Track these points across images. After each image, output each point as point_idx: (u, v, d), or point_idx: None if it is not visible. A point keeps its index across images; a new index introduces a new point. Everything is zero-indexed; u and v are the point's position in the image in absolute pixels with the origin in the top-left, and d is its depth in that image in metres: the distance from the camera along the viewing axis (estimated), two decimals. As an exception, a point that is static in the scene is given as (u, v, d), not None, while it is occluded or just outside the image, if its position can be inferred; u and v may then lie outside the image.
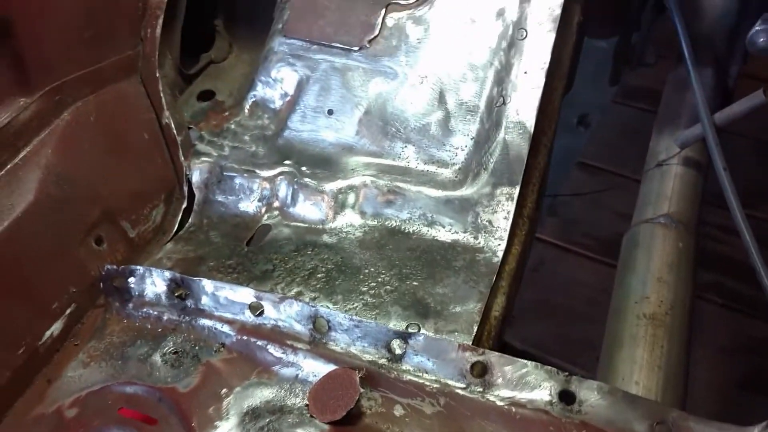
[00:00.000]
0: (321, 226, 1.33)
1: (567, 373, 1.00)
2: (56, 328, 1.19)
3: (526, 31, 1.28)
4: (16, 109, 1.18)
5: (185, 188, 1.40)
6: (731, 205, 1.28)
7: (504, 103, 1.28)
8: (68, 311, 1.21)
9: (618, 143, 3.02)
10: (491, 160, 1.28)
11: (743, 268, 2.19)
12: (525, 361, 1.02)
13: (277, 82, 1.45)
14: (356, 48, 1.39)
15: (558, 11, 1.27)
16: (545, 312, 2.44)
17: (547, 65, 1.27)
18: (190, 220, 1.39)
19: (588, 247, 2.60)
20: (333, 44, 1.40)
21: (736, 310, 2.43)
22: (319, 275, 1.23)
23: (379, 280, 1.22)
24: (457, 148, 1.33)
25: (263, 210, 1.37)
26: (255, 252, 1.30)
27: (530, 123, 1.26)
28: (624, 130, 3.08)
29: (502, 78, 1.30)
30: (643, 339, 1.19)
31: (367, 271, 1.23)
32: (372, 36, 1.38)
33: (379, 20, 1.38)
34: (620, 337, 1.21)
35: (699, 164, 1.48)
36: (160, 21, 1.37)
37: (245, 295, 1.13)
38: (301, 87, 1.43)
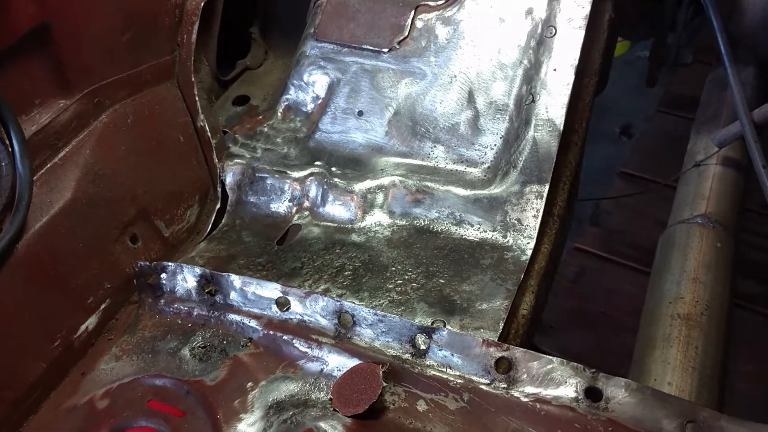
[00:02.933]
0: (350, 226, 1.34)
1: (594, 370, 0.98)
2: (91, 322, 1.22)
3: (556, 29, 1.28)
4: (57, 110, 1.23)
5: (219, 190, 1.43)
6: (771, 203, 1.24)
7: (533, 101, 1.27)
8: (103, 306, 1.24)
9: (661, 152, 2.95)
10: (520, 159, 1.27)
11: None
12: (550, 357, 1.00)
13: (309, 86, 1.47)
14: (386, 50, 1.40)
15: (588, 8, 1.26)
16: (585, 322, 2.39)
17: (576, 62, 1.26)
18: (223, 220, 1.42)
19: (629, 257, 2.54)
20: (363, 46, 1.42)
21: (787, 322, 2.33)
22: (346, 273, 1.24)
23: (406, 277, 1.22)
24: (486, 147, 1.33)
25: (294, 210, 1.38)
26: (284, 250, 1.31)
27: (560, 120, 1.25)
28: (667, 139, 3.01)
29: (531, 76, 1.29)
30: (677, 339, 1.15)
31: (394, 268, 1.23)
32: (401, 37, 1.39)
33: (409, 21, 1.39)
34: (653, 337, 1.18)
35: (738, 164, 1.44)
36: (196, 27, 1.41)
37: (272, 290, 1.14)
38: (332, 89, 1.44)
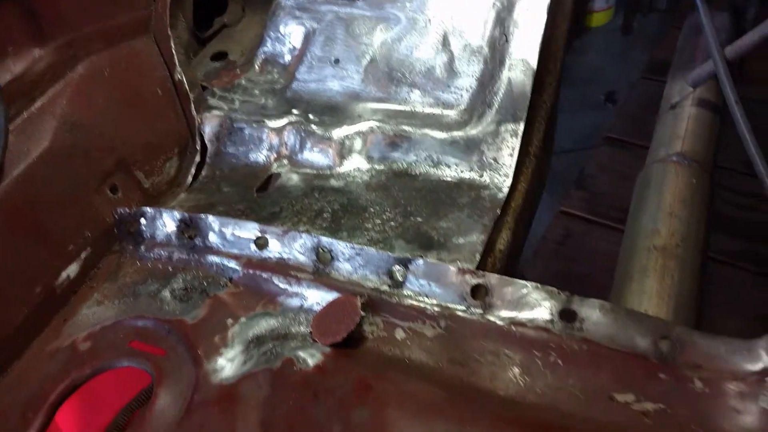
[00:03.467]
0: (328, 172, 1.34)
1: (568, 293, 0.99)
2: (72, 270, 1.22)
3: (528, -30, 1.28)
4: (31, 60, 1.23)
5: (198, 142, 1.43)
6: (744, 138, 1.25)
7: (507, 41, 1.28)
8: (84, 255, 1.24)
9: (646, 118, 2.96)
10: (496, 99, 1.28)
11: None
12: (525, 281, 1.01)
13: (286, 37, 1.47)
14: None
15: (560, -52, 1.26)
16: (571, 283, 2.39)
17: (548, 2, 1.26)
18: (203, 172, 1.42)
19: (614, 219, 2.56)
20: (338, -5, 1.42)
21: (768, 277, 2.36)
22: (325, 215, 1.25)
23: (384, 217, 1.22)
24: (462, 90, 1.33)
25: (272, 159, 1.39)
26: (263, 197, 1.32)
27: (533, 60, 1.26)
28: (652, 105, 3.02)
29: (504, 17, 1.30)
30: (653, 270, 1.16)
31: (372, 210, 1.24)
32: (375, -16, 1.40)
33: (382, -32, 1.39)
34: (629, 270, 1.19)
35: (714, 105, 1.45)
36: (171, -20, 1.41)
37: (250, 230, 1.15)
38: (308, 39, 1.45)
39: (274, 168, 1.38)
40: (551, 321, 0.98)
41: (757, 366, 0.88)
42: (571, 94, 3.12)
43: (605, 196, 2.70)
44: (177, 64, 1.43)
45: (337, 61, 1.41)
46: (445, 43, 1.35)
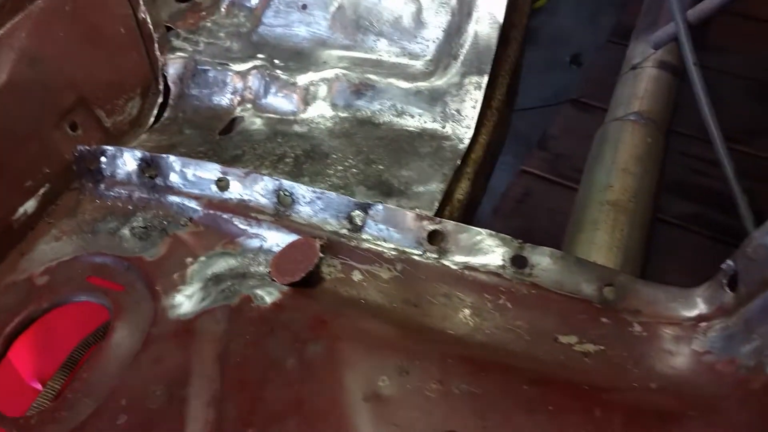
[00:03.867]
0: (292, 117, 1.35)
1: (520, 241, 1.03)
2: (30, 206, 1.21)
3: None
4: (-11, -10, 1.19)
5: (161, 83, 1.42)
6: (699, 101, 1.29)
7: (474, -7, 1.28)
8: (42, 191, 1.23)
9: (611, 80, 3.01)
10: (461, 51, 1.29)
11: (728, 198, 2.20)
12: (480, 229, 1.04)
13: (253, -20, 1.45)
14: None
15: None
16: (529, 240, 2.45)
17: (517, -44, 1.27)
18: (165, 114, 1.41)
19: (575, 180, 2.59)
20: (307, -61, 1.41)
21: (720, 241, 2.43)
22: (287, 160, 1.26)
23: (346, 164, 1.24)
24: (428, 41, 1.34)
25: (236, 102, 1.39)
26: (226, 140, 1.32)
27: (500, 14, 1.27)
28: (617, 69, 3.06)
29: (473, -31, 1.30)
30: (604, 223, 1.20)
31: (335, 156, 1.26)
32: (346, -72, 1.38)
33: None
34: (582, 222, 1.23)
35: (674, 67, 1.49)
36: None
37: (212, 171, 1.15)
38: (276, -17, 1.43)
39: (238, 111, 1.38)
40: (503, 266, 1.02)
41: (693, 312, 0.93)
42: (537, 55, 3.13)
43: (567, 157, 2.74)
44: (141, 2, 1.40)
45: (304, 6, 1.41)
46: (413, -8, 1.35)
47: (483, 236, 1.03)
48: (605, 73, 3.13)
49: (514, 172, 2.69)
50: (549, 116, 2.93)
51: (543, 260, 1.01)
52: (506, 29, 1.30)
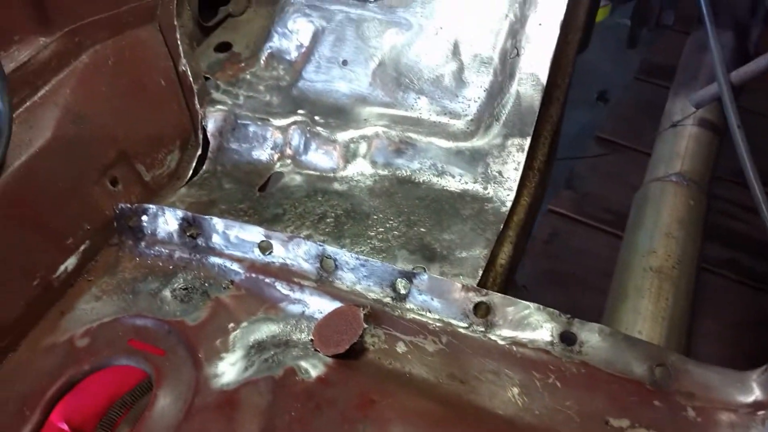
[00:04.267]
0: (332, 175, 1.34)
1: (569, 316, 1.01)
2: (70, 263, 1.21)
3: (542, -17, 1.28)
4: (36, 48, 1.20)
5: (200, 136, 1.42)
6: (744, 163, 1.27)
7: (518, 54, 1.28)
8: (82, 248, 1.23)
9: (637, 119, 3.00)
10: (503, 112, 1.28)
11: (760, 245, 2.17)
12: (527, 302, 1.03)
13: (293, 33, 1.46)
14: None
15: (574, -36, 1.26)
16: (557, 282, 2.44)
17: (562, 18, 1.26)
18: (204, 166, 1.41)
19: (602, 220, 2.59)
20: (349, -5, 1.41)
21: (750, 287, 2.41)
22: (328, 220, 1.25)
23: (387, 225, 1.23)
24: (470, 100, 1.34)
25: (276, 158, 1.39)
26: (266, 197, 1.32)
27: (543, 75, 1.26)
28: (644, 106, 3.06)
29: (516, 30, 1.30)
30: (648, 291, 1.19)
31: (375, 217, 1.25)
32: (388, -14, 1.39)
33: (396, -29, 1.38)
34: (625, 289, 1.22)
35: (715, 126, 1.47)
36: (179, -31, 1.39)
37: (255, 233, 1.15)
38: (316, 38, 1.44)
39: (277, 167, 1.38)
40: (551, 343, 1.00)
41: (750, 398, 0.91)
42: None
43: (594, 196, 2.73)
44: (182, 54, 1.41)
45: (345, 62, 1.41)
46: (455, 51, 1.34)
47: (531, 310, 1.02)
48: (632, 111, 3.14)
49: (541, 212, 2.68)
50: (575, 154, 2.92)
51: (592, 337, 0.99)
52: (549, 89, 1.29)
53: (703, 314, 2.30)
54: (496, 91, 1.31)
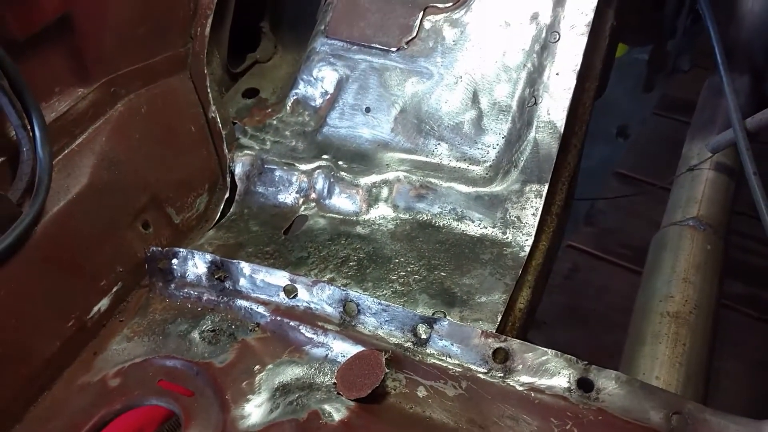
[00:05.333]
0: (355, 218, 1.38)
1: (586, 362, 1.03)
2: (103, 304, 1.26)
3: (559, 34, 1.32)
4: (75, 98, 1.27)
5: (228, 179, 1.47)
6: (761, 209, 1.29)
7: (536, 103, 1.32)
8: (115, 289, 1.28)
9: (656, 154, 3.01)
10: (522, 159, 1.32)
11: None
12: (545, 349, 1.05)
13: (318, 81, 1.51)
14: (394, 49, 1.44)
15: (591, 15, 1.31)
16: (577, 319, 2.45)
17: (578, 67, 1.30)
18: (231, 209, 1.46)
19: (622, 256, 2.60)
20: (372, 45, 1.46)
21: (772, 324, 2.40)
22: (351, 263, 1.29)
23: (409, 269, 1.27)
24: (488, 146, 1.37)
25: (301, 201, 1.43)
26: (291, 240, 1.36)
27: (561, 123, 1.30)
28: (663, 141, 3.07)
29: (534, 79, 1.34)
30: (665, 336, 1.20)
31: (397, 261, 1.28)
32: (410, 37, 1.43)
33: (417, 22, 1.43)
34: (643, 334, 1.23)
35: (731, 170, 1.49)
36: (210, 21, 1.45)
37: (280, 278, 1.19)
38: (340, 86, 1.49)
39: (302, 210, 1.42)
40: (569, 389, 1.02)
41: (766, 448, 0.92)
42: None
43: (613, 232, 2.74)
44: (211, 101, 1.47)
45: (368, 109, 1.45)
46: (474, 99, 1.39)
47: (549, 356, 1.05)
48: (651, 146, 3.15)
49: (561, 248, 2.69)
50: (595, 190, 2.94)
51: (609, 384, 1.01)
52: (566, 137, 1.32)
53: (727, 353, 2.29)
54: (515, 139, 1.34)
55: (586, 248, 2.68)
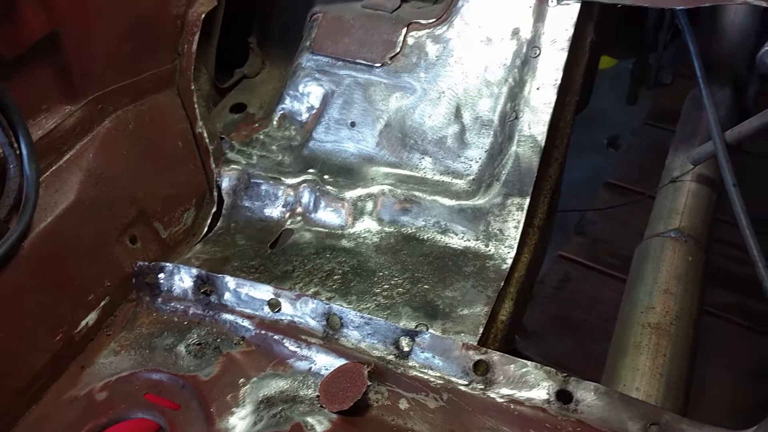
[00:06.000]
0: (340, 231, 1.40)
1: (565, 374, 1.05)
2: (91, 318, 1.28)
3: (540, 50, 1.34)
4: (62, 116, 1.28)
5: (215, 194, 1.49)
6: (740, 221, 1.31)
7: (517, 117, 1.34)
8: (103, 303, 1.30)
9: (647, 164, 3.03)
10: (503, 172, 1.34)
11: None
12: (525, 361, 1.07)
13: (304, 96, 1.53)
14: (378, 64, 1.46)
15: (571, 31, 1.33)
16: (568, 328, 2.46)
17: (559, 82, 1.32)
18: (218, 223, 1.48)
19: (612, 266, 2.61)
20: (357, 61, 1.48)
21: (761, 333, 2.41)
22: (335, 276, 1.30)
23: (393, 282, 1.28)
24: (471, 160, 1.39)
25: (287, 215, 1.45)
26: (277, 254, 1.37)
27: (541, 137, 1.32)
28: (653, 151, 3.08)
29: (515, 94, 1.36)
30: (646, 347, 1.22)
31: (381, 274, 1.30)
32: (393, 53, 1.46)
33: (401, 38, 1.45)
34: (624, 345, 1.25)
35: (712, 181, 1.51)
36: (197, 38, 1.47)
37: (264, 292, 1.20)
38: (326, 100, 1.51)
39: (288, 224, 1.44)
40: (548, 401, 1.04)
41: (741, 458, 0.93)
42: (572, 137, 3.18)
43: (604, 242, 2.76)
44: (198, 117, 1.49)
45: (353, 124, 1.47)
46: (457, 114, 1.41)
47: (528, 368, 1.06)
48: (642, 156, 3.17)
49: (552, 258, 2.71)
50: (585, 200, 2.96)
51: (588, 395, 1.02)
52: (548, 151, 1.34)
53: (715, 362, 2.30)
54: (497, 152, 1.36)
55: (577, 258, 2.70)
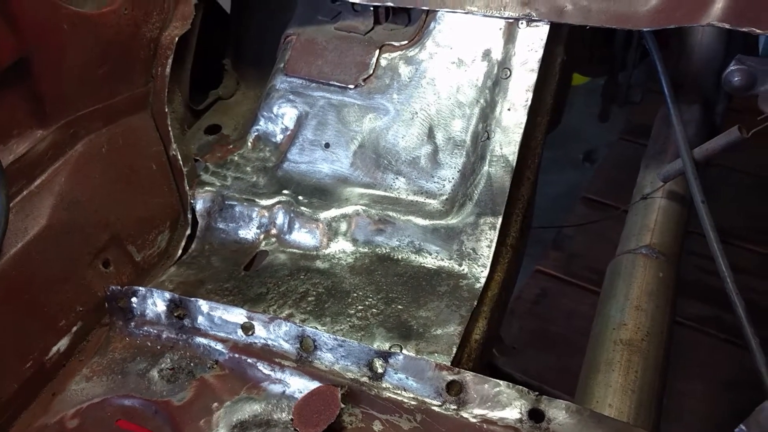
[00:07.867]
0: (315, 253, 1.40)
1: (537, 393, 1.05)
2: (63, 344, 1.27)
3: (510, 71, 1.36)
4: (34, 140, 1.27)
5: (189, 216, 1.49)
6: (708, 236, 1.33)
7: (488, 138, 1.35)
8: (75, 329, 1.29)
9: (622, 179, 3.06)
10: (476, 192, 1.35)
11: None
12: (498, 380, 1.07)
13: (279, 118, 1.54)
14: (352, 86, 1.48)
15: (540, 52, 1.34)
16: (546, 343, 2.48)
17: (529, 103, 1.34)
18: (192, 245, 1.47)
19: (589, 280, 2.64)
20: (330, 82, 1.49)
21: (737, 345, 2.44)
22: (309, 298, 1.30)
23: (367, 303, 1.28)
24: (444, 180, 1.40)
25: (261, 237, 1.45)
26: (251, 276, 1.37)
27: (513, 157, 1.33)
28: (629, 166, 3.12)
29: (487, 114, 1.37)
30: (618, 364, 1.23)
31: (355, 294, 1.30)
32: (367, 75, 1.47)
33: (374, 60, 1.47)
34: (597, 362, 1.26)
35: (682, 198, 1.54)
36: (170, 61, 1.47)
37: (237, 315, 1.20)
38: (300, 122, 1.51)
39: (263, 246, 1.44)
40: (521, 420, 1.04)
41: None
42: (549, 153, 3.22)
43: (581, 256, 2.79)
44: (172, 139, 1.49)
45: (327, 145, 1.48)
46: (430, 134, 1.42)
47: (501, 387, 1.07)
48: (618, 171, 3.21)
49: (529, 272, 2.73)
50: (563, 215, 2.99)
51: (559, 414, 1.03)
52: (519, 170, 1.35)
53: (692, 374, 2.33)
54: (469, 172, 1.38)
55: (554, 273, 2.72)
